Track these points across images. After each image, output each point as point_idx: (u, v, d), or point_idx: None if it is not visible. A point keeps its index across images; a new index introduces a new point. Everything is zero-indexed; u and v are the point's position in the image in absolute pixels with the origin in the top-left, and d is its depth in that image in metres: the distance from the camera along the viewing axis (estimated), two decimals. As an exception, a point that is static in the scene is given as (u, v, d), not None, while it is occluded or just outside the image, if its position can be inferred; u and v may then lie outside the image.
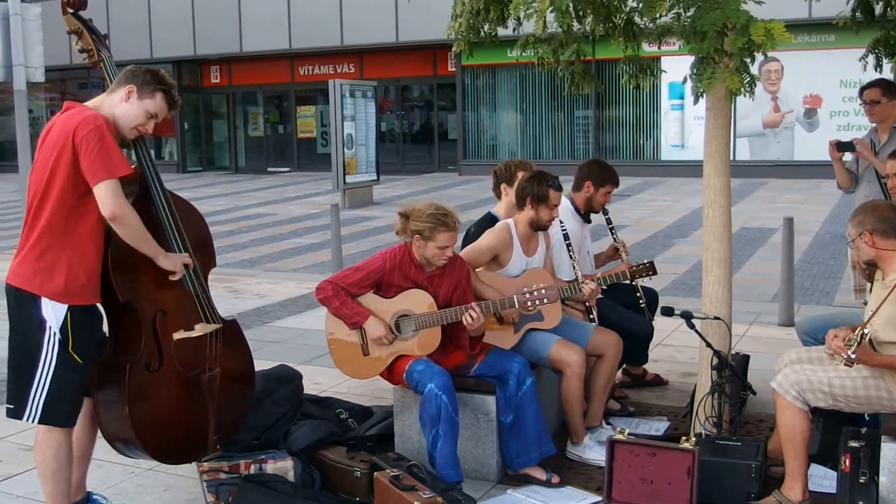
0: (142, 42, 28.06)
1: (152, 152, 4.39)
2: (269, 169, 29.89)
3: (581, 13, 5.11)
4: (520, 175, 5.56)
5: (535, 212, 5.22)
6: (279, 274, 11.71)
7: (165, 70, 4.31)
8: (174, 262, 4.17)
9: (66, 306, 3.98)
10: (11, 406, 4.09)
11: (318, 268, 12.01)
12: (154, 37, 28.66)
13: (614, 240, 6.02)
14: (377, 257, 4.89)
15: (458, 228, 4.79)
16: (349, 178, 19.16)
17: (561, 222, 5.57)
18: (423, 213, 4.75)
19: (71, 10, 4.42)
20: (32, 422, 4.07)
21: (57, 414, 4.06)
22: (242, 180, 27.13)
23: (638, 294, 5.88)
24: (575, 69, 5.54)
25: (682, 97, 22.77)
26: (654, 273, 5.52)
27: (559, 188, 5.23)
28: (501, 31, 5.44)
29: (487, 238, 5.24)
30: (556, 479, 4.84)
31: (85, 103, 4.14)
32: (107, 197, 3.87)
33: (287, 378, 5.34)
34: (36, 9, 13.58)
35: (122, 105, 4.09)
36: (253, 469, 4.68)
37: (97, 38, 4.43)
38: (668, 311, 5.05)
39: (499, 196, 5.80)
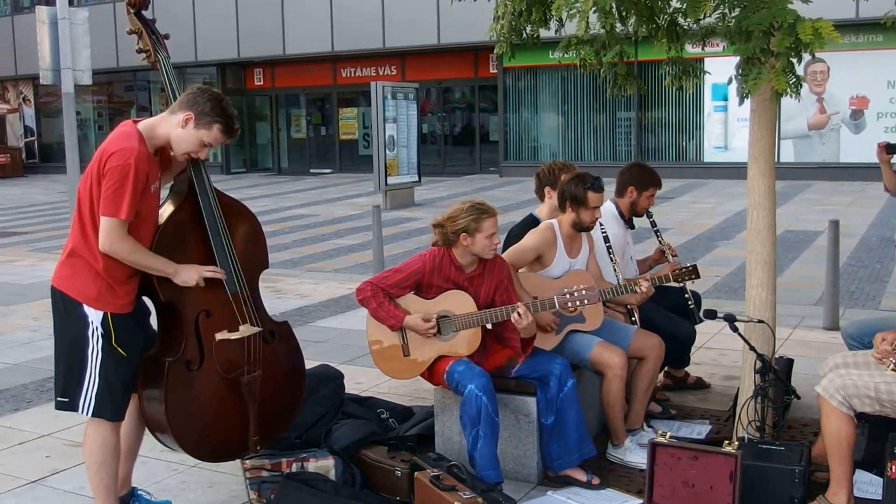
0: (186, 45, 28.32)
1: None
2: (312, 170, 30.04)
3: (624, 14, 5.08)
4: (563, 178, 5.54)
5: (576, 214, 5.20)
6: (321, 274, 11.77)
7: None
8: (188, 276, 4.14)
9: (103, 312, 4.07)
10: (66, 399, 4.17)
11: (359, 268, 12.05)
12: (198, 40, 28.91)
13: (660, 243, 5.97)
14: (417, 259, 4.89)
15: (496, 214, 4.80)
16: (391, 180, 19.21)
17: (601, 225, 5.55)
18: (460, 211, 4.76)
19: (133, 10, 4.47)
20: (86, 414, 4.14)
21: (107, 407, 4.13)
22: (285, 181, 27.29)
23: (687, 296, 5.82)
24: (618, 70, 5.51)
25: (725, 98, 22.58)
26: (697, 276, 5.47)
27: (599, 189, 5.20)
28: (543, 33, 5.42)
29: (531, 238, 5.23)
30: (596, 481, 4.81)
31: (146, 120, 4.18)
32: (103, 232, 3.97)
33: (329, 378, 5.36)
34: (83, 13, 13.76)
35: (178, 130, 4.12)
36: (295, 467, 4.70)
37: (157, 38, 4.48)
38: (711, 314, 5.00)
39: (542, 198, 5.78)
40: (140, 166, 3.96)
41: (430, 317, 4.80)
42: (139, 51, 4.48)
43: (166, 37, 4.54)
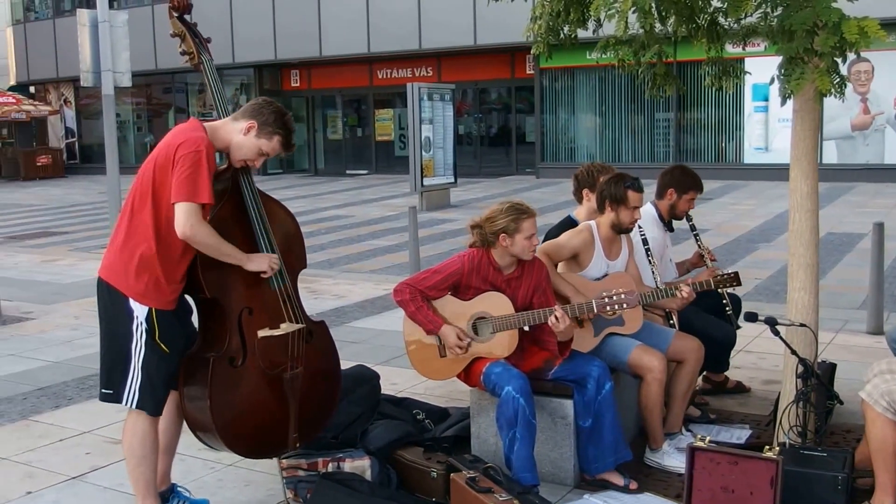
0: (223, 47, 28.51)
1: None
2: (348, 171, 30.14)
3: (664, 14, 5.05)
4: (601, 179, 5.50)
5: (616, 214, 5.16)
6: (357, 275, 11.80)
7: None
8: (260, 263, 4.23)
9: (147, 307, 4.12)
10: (110, 391, 4.22)
11: (395, 269, 12.06)
12: (235, 41, 29.11)
13: (699, 246, 5.92)
14: (455, 260, 4.88)
15: (536, 213, 4.79)
16: (427, 181, 19.22)
17: (640, 228, 5.50)
18: (499, 212, 4.75)
19: (176, 14, 4.53)
20: (130, 406, 4.19)
21: (148, 400, 4.18)
22: (321, 182, 27.40)
23: (724, 301, 5.77)
24: (657, 71, 5.47)
25: (766, 99, 22.37)
26: (739, 284, 5.40)
27: (639, 189, 5.16)
28: (581, 33, 5.39)
29: (569, 237, 5.20)
30: (634, 485, 4.78)
31: (208, 123, 4.26)
32: (182, 217, 4.00)
33: (365, 378, 5.37)
34: (123, 15, 13.87)
35: (240, 137, 4.22)
36: (331, 467, 4.71)
37: (199, 41, 4.55)
38: (751, 317, 4.95)
39: (580, 200, 5.75)
40: (210, 153, 4.05)
41: (464, 336, 4.80)
42: (183, 53, 4.54)
43: (208, 40, 4.59)
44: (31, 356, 7.95)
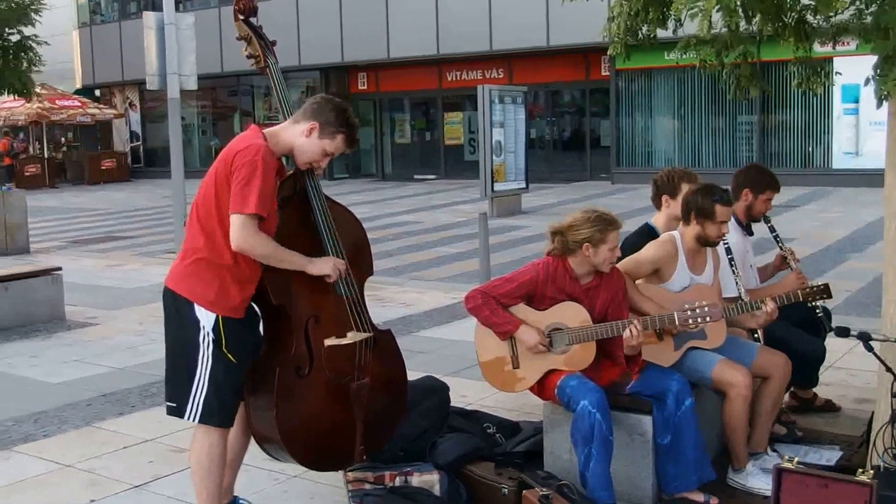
0: (290, 49, 28.82)
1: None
2: (416, 176, 30.26)
3: (749, 12, 4.96)
4: (684, 187, 5.40)
5: (701, 227, 5.06)
6: (425, 283, 11.82)
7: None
8: (324, 266, 4.25)
9: (215, 314, 4.16)
10: (174, 404, 4.27)
11: (464, 277, 12.06)
12: (302, 44, 29.39)
13: (781, 248, 5.79)
14: (530, 268, 4.85)
15: (621, 226, 4.75)
16: (497, 186, 19.20)
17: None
18: (585, 219, 4.70)
19: (242, 17, 4.60)
20: (193, 420, 4.23)
21: (214, 413, 4.21)
22: (388, 187, 27.56)
23: (818, 312, 5.59)
24: (741, 72, 5.39)
25: (856, 101, 21.93)
26: (829, 296, 5.27)
27: (727, 203, 5.04)
28: (660, 33, 5.34)
29: (651, 250, 5.12)
30: (714, 501, 4.71)
31: (268, 129, 4.30)
32: (235, 229, 4.05)
33: (434, 390, 5.36)
34: (189, 18, 14.09)
35: (302, 139, 4.25)
36: (398, 481, 4.71)
37: (265, 44, 4.60)
38: (843, 332, 4.82)
39: (658, 206, 5.66)
40: (268, 161, 4.08)
41: (545, 343, 4.76)
42: (248, 56, 4.60)
43: (274, 43, 4.64)
44: (94, 362, 8.11)
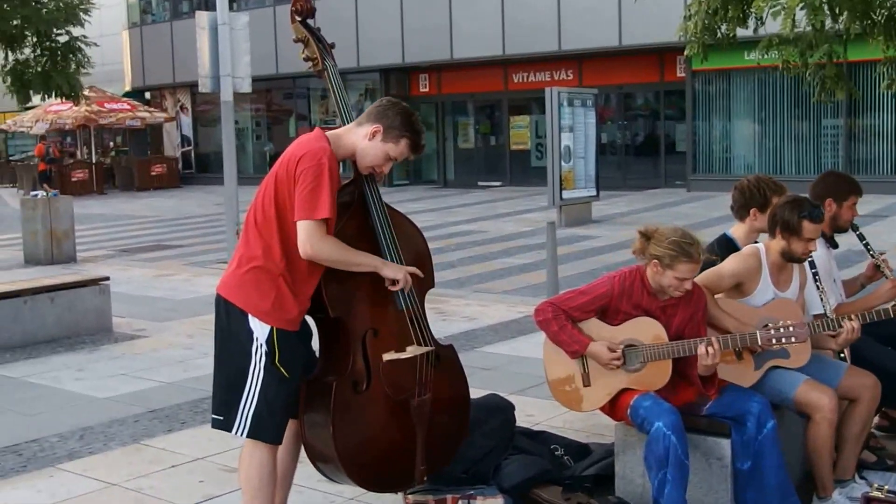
0: (348, 50, 29.06)
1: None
2: (480, 183, 30.29)
3: (836, 9, 4.92)
4: (775, 199, 5.33)
5: (787, 243, 4.99)
6: (490, 296, 11.82)
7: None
8: (396, 270, 4.28)
9: (270, 326, 4.19)
10: (220, 417, 4.31)
11: (531, 290, 12.04)
12: (361, 44, 29.60)
13: (872, 256, 5.67)
14: (605, 280, 4.84)
15: (701, 261, 4.66)
16: (566, 194, 19.16)
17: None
18: (667, 237, 4.65)
19: (299, 18, 4.67)
20: (241, 435, 4.26)
21: (265, 428, 4.24)
22: (451, 195, 27.62)
23: None
24: (826, 73, 5.35)
25: (952, 104, 21.56)
26: None
27: (817, 219, 4.94)
28: (740, 32, 5.31)
29: (733, 263, 5.06)
30: (798, 530, 4.67)
31: (331, 132, 4.35)
32: (303, 236, 4.09)
33: (498, 408, 5.36)
34: (244, 17, 14.23)
35: (365, 142, 4.29)
36: (461, 505, 4.72)
37: (323, 47, 4.66)
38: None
39: (741, 217, 5.56)
40: (333, 165, 4.13)
41: (616, 346, 4.74)
42: (306, 59, 4.66)
43: (332, 45, 4.70)
44: (143, 376, 8.21)
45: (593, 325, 4.82)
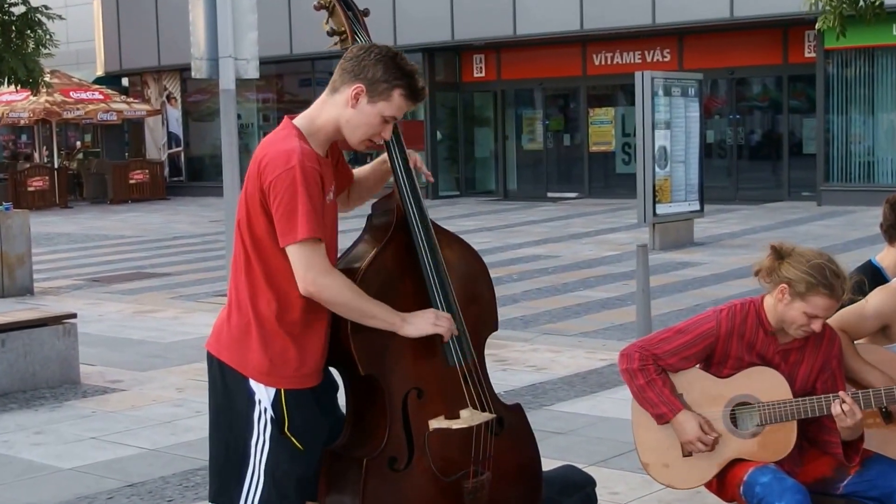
0: (384, 25, 29.16)
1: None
2: (550, 194, 30.30)
3: None
4: None
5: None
6: (563, 339, 11.81)
7: (413, 61, 4.37)
8: (423, 325, 4.21)
9: (275, 388, 4.18)
10: None
11: (616, 331, 12.02)
12: (399, 17, 29.70)
13: None
14: (710, 315, 4.84)
15: (842, 299, 4.66)
16: (661, 209, 19.10)
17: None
18: (808, 259, 4.66)
19: None
20: None
21: None
22: (513, 209, 27.65)
23: None
24: None
25: None
26: None
27: None
28: (889, 0, 5.27)
29: (879, 298, 5.04)
30: None
31: (301, 117, 4.31)
32: (299, 268, 4.05)
33: (575, 485, 5.34)
34: (250, -15, 14.26)
35: (348, 111, 4.20)
36: None
37: (354, 15, 4.57)
38: None
39: (892, 240, 5.55)
40: (308, 166, 4.06)
41: (710, 430, 4.74)
42: (331, 33, 4.58)
43: (366, 13, 4.62)
44: (118, 440, 8.24)
45: (695, 378, 4.82)
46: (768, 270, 4.75)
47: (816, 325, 4.66)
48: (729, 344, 4.78)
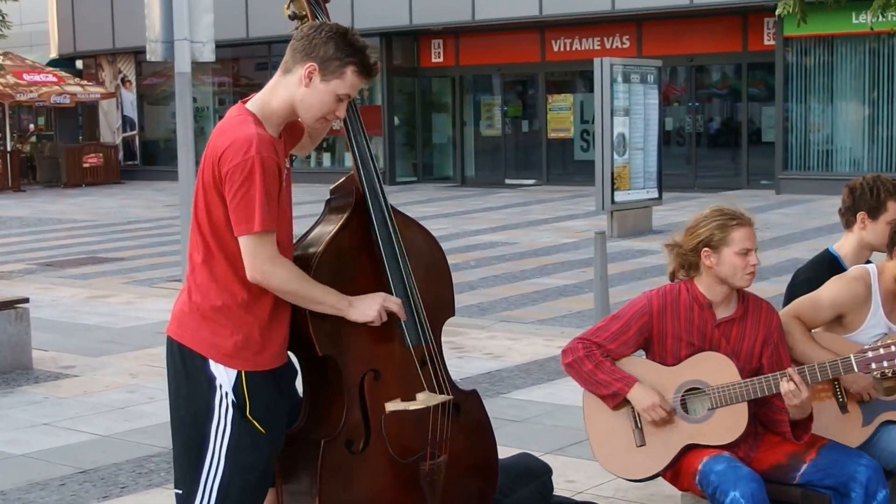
0: (342, 8, 29.05)
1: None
2: (508, 181, 30.30)
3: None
4: (891, 206, 5.33)
5: (907, 265, 5.03)
6: (520, 326, 11.82)
7: (371, 45, 4.38)
8: (367, 310, 4.23)
9: (237, 371, 4.19)
10: (180, 491, 4.31)
11: (574, 319, 12.04)
12: (357, 2, 29.55)
13: None
14: (640, 297, 4.91)
15: (754, 223, 4.75)
16: (619, 196, 19.15)
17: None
18: (701, 220, 4.76)
19: None
20: None
21: (235, 503, 4.23)
22: (471, 196, 27.64)
23: None
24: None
25: None
26: None
27: None
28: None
29: (834, 288, 5.08)
30: None
31: (254, 99, 4.32)
32: (248, 257, 4.09)
33: (531, 472, 5.37)
34: (204, -36, 14.20)
35: (301, 90, 4.23)
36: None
37: (316, 1, 4.59)
38: None
39: (849, 226, 5.58)
40: (266, 155, 4.08)
41: (667, 407, 4.76)
42: (292, 17, 4.59)
43: None
44: (71, 427, 8.21)
45: (643, 369, 4.86)
46: (680, 262, 4.81)
47: (752, 258, 4.73)
48: (663, 321, 4.83)
